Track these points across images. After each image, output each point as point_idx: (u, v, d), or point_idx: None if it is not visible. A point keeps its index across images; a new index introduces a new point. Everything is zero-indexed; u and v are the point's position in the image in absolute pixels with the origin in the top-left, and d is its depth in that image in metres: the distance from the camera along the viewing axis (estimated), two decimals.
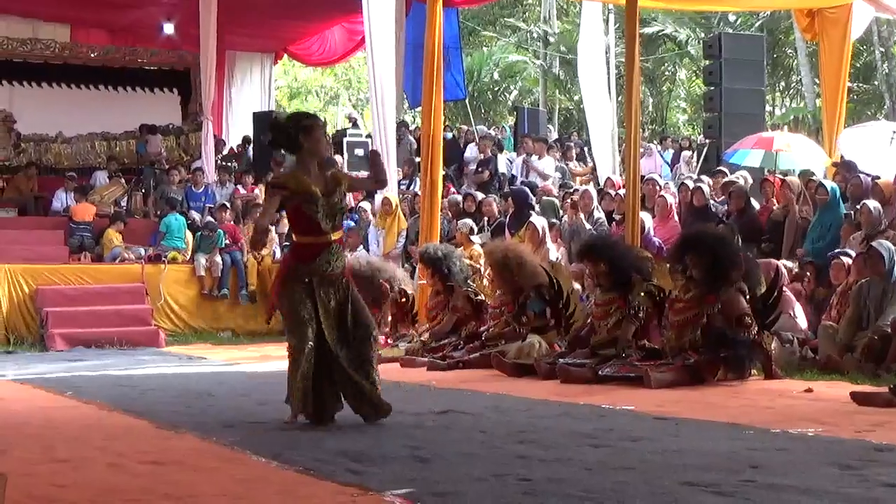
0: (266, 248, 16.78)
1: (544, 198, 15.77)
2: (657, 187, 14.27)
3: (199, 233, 17.29)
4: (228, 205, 18.28)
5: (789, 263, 11.30)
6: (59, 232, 17.86)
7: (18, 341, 15.36)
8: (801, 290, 10.93)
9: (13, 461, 5.58)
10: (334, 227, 7.08)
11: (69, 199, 19.23)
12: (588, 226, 13.91)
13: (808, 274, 11.19)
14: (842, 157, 14.81)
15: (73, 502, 4.60)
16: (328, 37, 25.52)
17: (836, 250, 11.07)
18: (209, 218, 17.79)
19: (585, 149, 23.16)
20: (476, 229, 14.96)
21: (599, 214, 14.33)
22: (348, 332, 6.94)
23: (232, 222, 17.76)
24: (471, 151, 20.59)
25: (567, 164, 19.85)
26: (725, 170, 15.51)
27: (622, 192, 14.20)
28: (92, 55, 23.04)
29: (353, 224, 16.71)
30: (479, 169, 19.20)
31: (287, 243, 17.48)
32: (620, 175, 16.94)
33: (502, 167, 19.73)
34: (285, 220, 15.88)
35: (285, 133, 7.08)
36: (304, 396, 6.77)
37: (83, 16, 23.32)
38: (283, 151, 7.12)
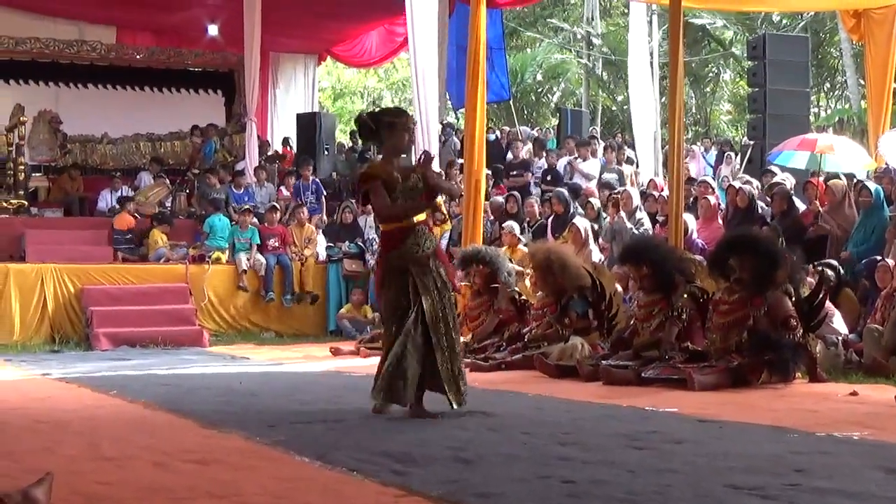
0: (301, 245, 16.98)
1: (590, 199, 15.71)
2: (709, 189, 14.22)
3: (230, 228, 17.37)
4: (277, 206, 18.32)
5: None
6: (104, 232, 17.97)
7: (64, 340, 15.48)
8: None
9: (59, 459, 5.63)
10: None
11: (114, 201, 19.36)
12: (630, 225, 13.87)
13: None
14: (886, 164, 14.68)
15: (118, 500, 4.62)
16: (371, 38, 25.56)
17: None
18: (254, 219, 17.85)
19: (629, 149, 23.07)
20: (517, 229, 14.97)
21: (641, 215, 14.29)
22: (447, 318, 7.14)
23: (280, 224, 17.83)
24: (511, 153, 20.55)
25: (621, 167, 19.72)
26: (775, 169, 15.41)
27: (665, 193, 14.16)
28: (137, 57, 23.22)
29: None
30: (517, 172, 19.15)
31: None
32: (663, 177, 16.88)
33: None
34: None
35: (368, 128, 7.36)
36: (406, 386, 7.00)
37: (129, 18, 23.46)
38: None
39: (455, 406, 7.06)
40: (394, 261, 7.20)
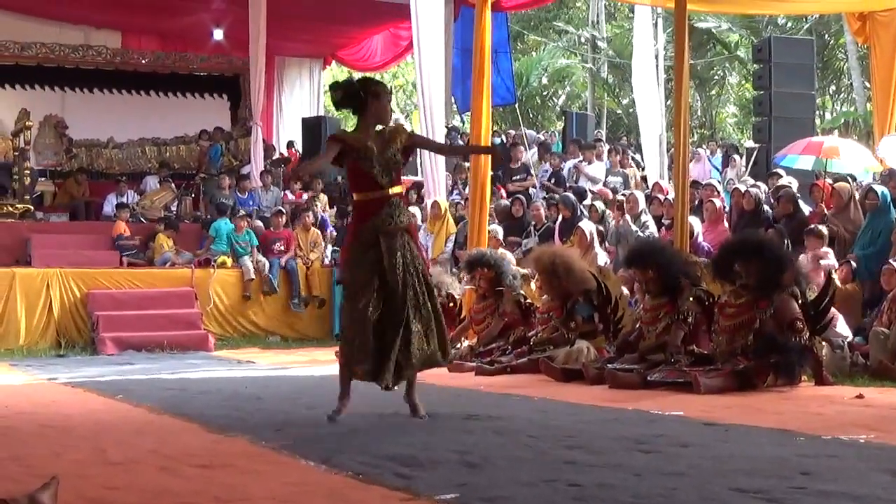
0: (307, 249, 16.98)
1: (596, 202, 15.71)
2: (715, 192, 14.21)
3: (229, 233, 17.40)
4: (284, 210, 18.34)
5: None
6: (109, 236, 18.00)
7: (70, 345, 15.52)
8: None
9: (65, 463, 5.63)
10: (391, 182, 7.28)
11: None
12: (635, 228, 13.87)
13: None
14: (891, 169, 14.66)
15: None
16: (376, 42, 25.60)
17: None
18: (258, 222, 17.87)
19: (634, 153, 23.06)
20: (501, 232, 14.99)
21: (647, 218, 14.28)
22: (417, 292, 7.14)
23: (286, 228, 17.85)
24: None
25: (626, 170, 19.72)
26: (781, 172, 15.40)
27: (670, 196, 14.15)
28: (143, 61, 23.31)
29: None
30: (519, 177, 19.13)
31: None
32: (669, 180, 16.87)
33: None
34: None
35: (354, 93, 7.31)
36: (360, 353, 7.03)
37: (134, 22, 23.54)
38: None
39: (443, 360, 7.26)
40: (365, 234, 7.18)
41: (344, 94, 7.40)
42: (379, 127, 7.37)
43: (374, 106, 7.26)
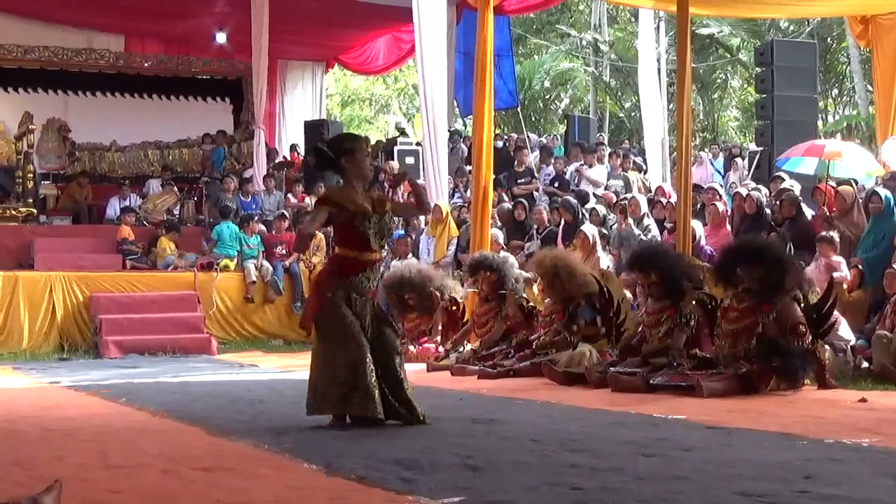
0: (309, 253, 16.98)
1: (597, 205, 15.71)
2: (717, 195, 14.21)
3: (238, 235, 17.42)
4: (286, 213, 18.35)
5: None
6: (112, 240, 18.02)
7: (73, 348, 15.53)
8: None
9: (69, 467, 5.64)
10: (380, 246, 7.34)
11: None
12: (637, 232, 13.87)
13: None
14: (894, 172, 14.67)
15: None
16: (378, 46, 25.61)
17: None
18: (261, 226, 17.88)
19: (635, 156, 23.05)
20: (502, 236, 15.00)
21: (649, 221, 14.28)
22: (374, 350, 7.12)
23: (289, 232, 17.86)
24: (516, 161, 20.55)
25: (627, 174, 19.72)
26: (784, 175, 15.39)
27: (673, 200, 14.15)
28: (145, 65, 23.33)
29: (402, 233, 16.74)
30: (524, 180, 19.13)
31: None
32: (671, 183, 16.86)
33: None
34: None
35: (327, 157, 7.25)
36: (373, 398, 6.96)
37: (137, 26, 23.56)
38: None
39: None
40: (340, 290, 7.12)
41: (317, 160, 7.38)
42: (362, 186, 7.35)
43: (349, 164, 7.18)
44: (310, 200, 19.79)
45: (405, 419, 7.07)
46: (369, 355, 7.00)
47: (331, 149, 7.28)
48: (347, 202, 7.11)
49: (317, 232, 17.65)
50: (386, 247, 7.43)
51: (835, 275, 11.06)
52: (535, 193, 18.35)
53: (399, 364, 7.20)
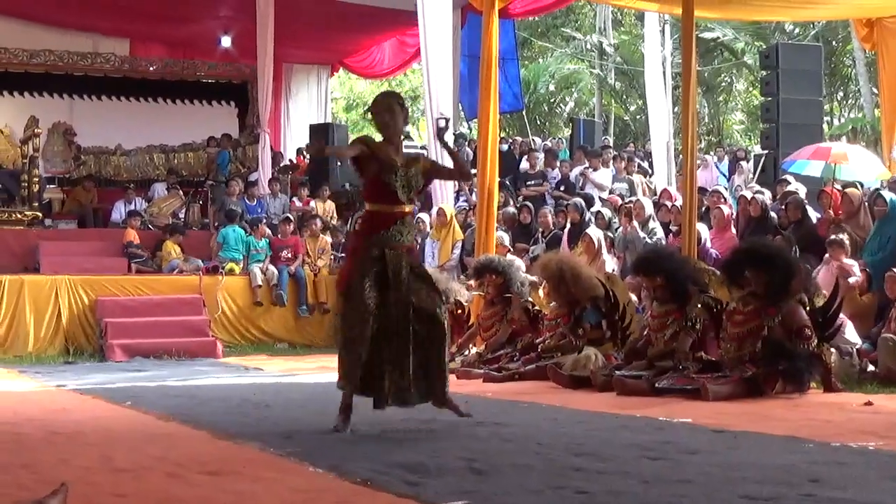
0: (314, 255, 17.01)
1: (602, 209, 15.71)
2: (722, 198, 14.20)
3: (247, 239, 17.45)
4: (292, 217, 18.36)
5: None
6: (118, 243, 18.02)
7: (78, 352, 15.53)
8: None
9: (74, 470, 5.64)
10: (409, 199, 7.32)
11: (127, 212, 19.44)
12: (643, 235, 13.86)
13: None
14: None
15: None
16: (383, 49, 25.61)
17: None
18: (267, 230, 17.89)
19: (640, 160, 23.03)
20: (507, 239, 14.99)
21: (654, 224, 14.27)
22: (418, 310, 7.14)
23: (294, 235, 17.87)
24: (527, 163, 20.55)
25: (631, 177, 19.72)
26: (790, 178, 15.38)
27: (678, 203, 14.14)
28: (151, 68, 23.30)
29: None
30: (534, 182, 19.13)
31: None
32: (677, 186, 16.86)
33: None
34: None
35: (403, 106, 7.41)
36: (353, 369, 7.06)
37: (142, 30, 23.58)
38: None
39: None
40: (372, 246, 7.18)
41: (398, 105, 7.44)
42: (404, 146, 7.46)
43: (391, 120, 7.30)
44: (314, 204, 19.82)
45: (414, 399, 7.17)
46: (371, 327, 7.03)
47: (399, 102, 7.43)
48: (377, 149, 7.22)
49: (321, 235, 17.72)
50: (414, 200, 7.40)
51: (850, 279, 11.06)
52: (547, 195, 18.37)
53: (431, 334, 7.18)
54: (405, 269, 7.16)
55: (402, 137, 7.48)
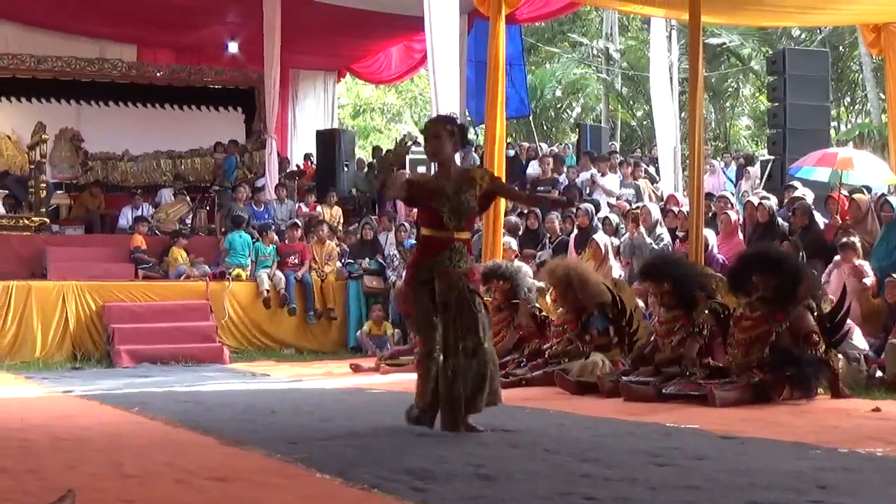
0: (321, 261, 17.02)
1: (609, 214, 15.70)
2: (728, 204, 14.19)
3: (254, 245, 17.48)
4: (298, 223, 18.38)
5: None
6: (125, 249, 18.06)
7: (85, 358, 15.56)
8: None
9: (82, 476, 5.64)
10: (459, 227, 7.28)
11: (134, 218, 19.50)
12: (649, 241, 13.85)
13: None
14: None
15: None
16: (390, 55, 25.65)
17: None
18: (275, 236, 17.91)
19: (646, 165, 23.03)
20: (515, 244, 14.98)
21: (661, 230, 14.26)
22: (459, 337, 7.17)
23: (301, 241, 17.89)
24: (533, 169, 20.56)
25: (637, 182, 19.73)
26: (797, 184, 15.37)
27: (684, 208, 14.13)
28: (158, 74, 23.40)
29: (412, 243, 16.74)
30: (544, 188, 19.12)
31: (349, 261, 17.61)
32: (683, 192, 16.85)
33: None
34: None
35: (464, 131, 7.47)
36: (426, 394, 7.19)
37: (149, 36, 23.65)
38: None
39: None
40: (423, 271, 7.24)
41: (462, 133, 7.48)
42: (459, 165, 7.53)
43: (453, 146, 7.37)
44: (321, 209, 19.84)
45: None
46: (440, 349, 7.12)
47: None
48: (426, 181, 7.36)
49: (328, 241, 17.73)
50: (466, 226, 7.40)
51: (865, 280, 11.05)
52: None
53: (465, 354, 7.17)
54: (452, 293, 7.18)
55: (435, 156, 7.43)
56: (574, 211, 15.57)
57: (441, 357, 7.10)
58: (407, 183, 7.38)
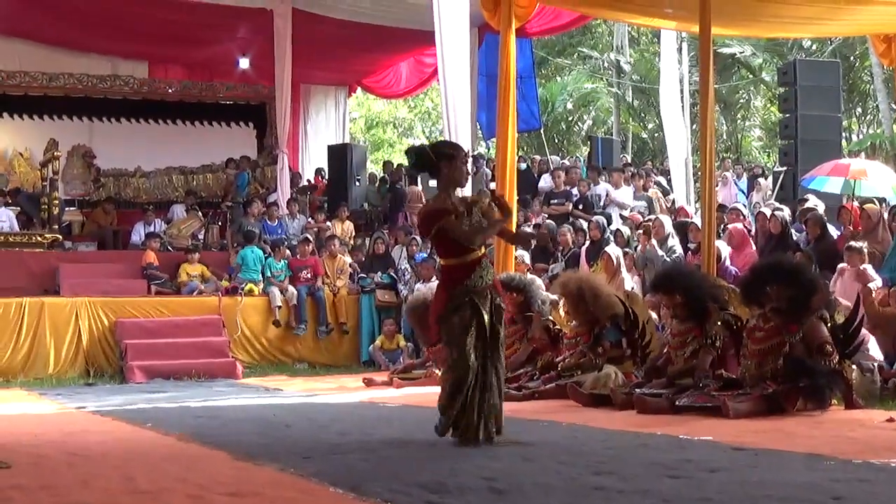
0: (333, 276, 17.04)
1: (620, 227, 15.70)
2: (740, 216, 14.17)
3: (266, 260, 17.49)
4: (311, 238, 18.40)
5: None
6: (137, 265, 18.07)
7: (98, 373, 15.58)
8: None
9: (95, 492, 5.64)
10: (479, 245, 7.38)
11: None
12: (661, 253, 13.83)
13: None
14: None
15: None
16: (401, 69, 25.69)
17: None
18: (287, 251, 17.93)
19: (658, 177, 23.02)
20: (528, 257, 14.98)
21: (673, 242, 14.24)
22: (497, 350, 7.31)
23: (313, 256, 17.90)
24: (545, 182, 20.56)
25: (649, 194, 19.72)
26: (810, 196, 15.34)
27: (695, 220, 14.11)
28: (169, 90, 23.46)
29: (425, 256, 16.75)
30: (558, 201, 19.12)
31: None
32: (695, 204, 16.83)
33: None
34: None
35: (427, 158, 7.44)
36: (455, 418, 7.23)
37: (161, 52, 23.72)
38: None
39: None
40: (458, 296, 7.25)
41: (417, 159, 7.55)
42: (459, 192, 7.54)
43: (448, 170, 7.35)
44: (331, 224, 19.86)
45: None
46: (476, 374, 7.19)
47: (434, 152, 7.47)
48: (451, 208, 7.32)
49: (340, 255, 17.74)
50: (484, 246, 7.47)
51: (870, 284, 11.02)
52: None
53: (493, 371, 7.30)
54: (487, 313, 7.26)
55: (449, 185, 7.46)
56: (586, 224, 15.59)
57: (477, 373, 7.17)
58: (445, 212, 7.38)
